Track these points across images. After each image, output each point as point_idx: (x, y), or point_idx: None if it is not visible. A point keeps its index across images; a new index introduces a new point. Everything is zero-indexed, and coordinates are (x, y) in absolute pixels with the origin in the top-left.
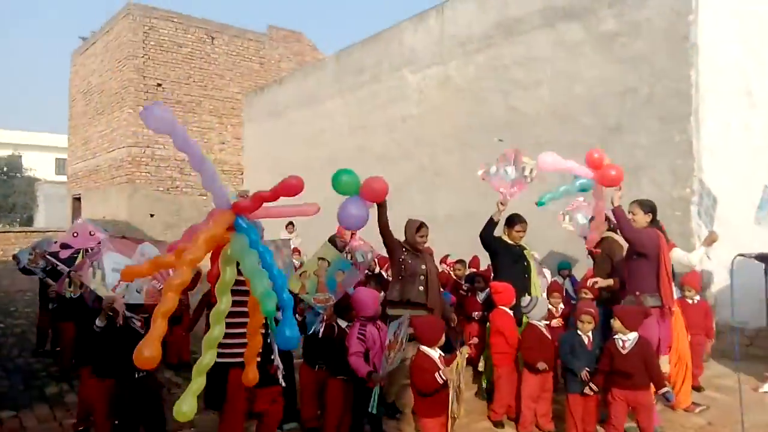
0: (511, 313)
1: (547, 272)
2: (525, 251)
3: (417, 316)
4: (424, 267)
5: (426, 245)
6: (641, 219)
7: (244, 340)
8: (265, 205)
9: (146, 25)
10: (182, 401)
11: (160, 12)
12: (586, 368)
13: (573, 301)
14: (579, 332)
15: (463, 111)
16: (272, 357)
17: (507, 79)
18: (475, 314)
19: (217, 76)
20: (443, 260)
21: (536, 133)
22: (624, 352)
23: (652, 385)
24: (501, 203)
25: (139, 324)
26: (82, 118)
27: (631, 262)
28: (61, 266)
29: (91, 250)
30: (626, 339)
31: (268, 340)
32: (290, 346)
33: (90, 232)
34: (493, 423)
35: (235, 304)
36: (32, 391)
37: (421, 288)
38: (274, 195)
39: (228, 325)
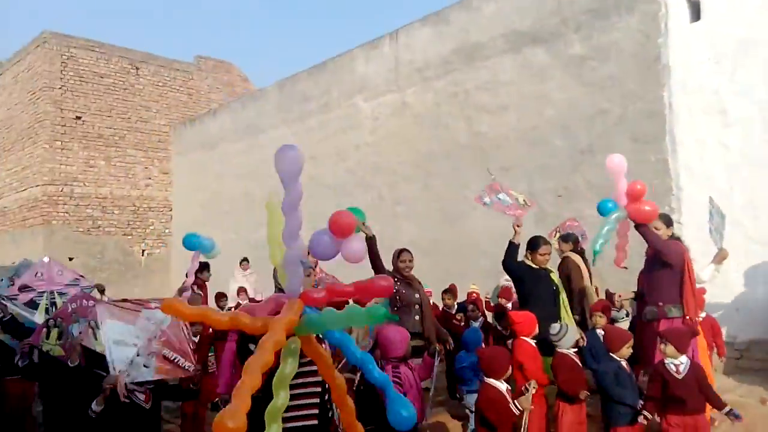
0: (533, 343)
1: None
2: (552, 274)
3: (483, 349)
4: (417, 296)
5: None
6: (664, 232)
7: (301, 412)
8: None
9: (64, 55)
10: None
11: (78, 41)
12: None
13: None
14: (617, 358)
15: (423, 137)
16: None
17: (470, 104)
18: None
19: (142, 108)
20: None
21: (504, 157)
22: (679, 377)
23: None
24: (517, 225)
25: (143, 398)
26: None
27: (653, 273)
28: (23, 313)
29: (58, 293)
30: (679, 363)
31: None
32: (406, 427)
33: (58, 271)
34: None
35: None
36: None
37: (417, 318)
38: (357, 292)
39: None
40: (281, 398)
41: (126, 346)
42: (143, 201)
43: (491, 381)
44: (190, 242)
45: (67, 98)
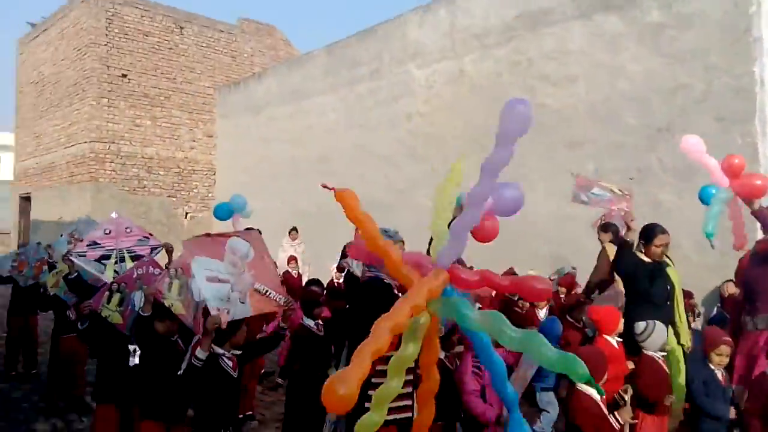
0: (614, 342)
1: None
2: (669, 269)
3: (583, 347)
4: None
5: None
6: None
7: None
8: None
9: (108, 11)
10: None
11: None
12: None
13: None
14: (711, 366)
15: (481, 109)
16: None
17: (533, 74)
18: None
19: (186, 69)
20: None
21: (570, 133)
22: None
23: None
24: (629, 221)
25: (231, 364)
26: (32, 112)
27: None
28: (92, 271)
29: (127, 251)
30: None
31: None
32: None
33: (127, 229)
34: None
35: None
36: (17, 427)
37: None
38: (512, 287)
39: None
40: (395, 382)
41: (219, 282)
42: (188, 163)
43: (584, 388)
44: (222, 211)
45: (113, 55)
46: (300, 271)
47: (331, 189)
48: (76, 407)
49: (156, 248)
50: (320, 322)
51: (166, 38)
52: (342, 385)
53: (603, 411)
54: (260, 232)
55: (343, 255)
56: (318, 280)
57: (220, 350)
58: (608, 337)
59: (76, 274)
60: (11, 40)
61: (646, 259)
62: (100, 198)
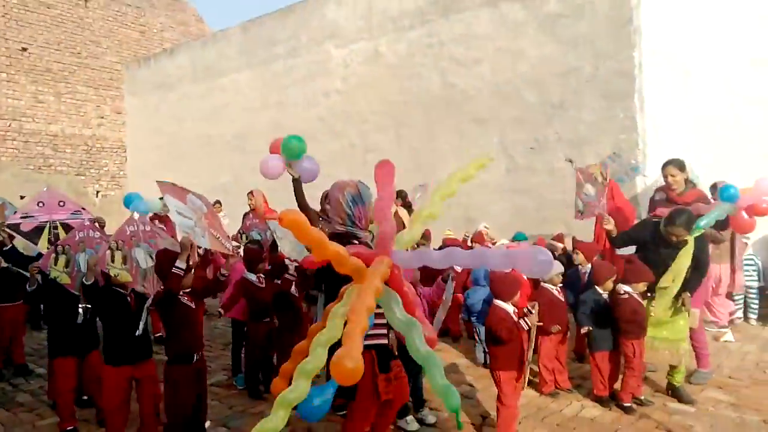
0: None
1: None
2: (685, 248)
3: (495, 272)
4: None
5: None
6: (681, 178)
7: (374, 331)
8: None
9: None
10: (268, 419)
11: None
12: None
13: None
14: (600, 291)
15: (396, 87)
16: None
17: (444, 56)
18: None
19: (92, 43)
20: None
21: (476, 110)
22: None
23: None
24: (609, 229)
25: (187, 299)
26: None
27: None
28: (27, 242)
29: (61, 223)
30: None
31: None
32: (311, 418)
33: (60, 202)
34: None
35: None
36: None
37: None
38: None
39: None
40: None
41: (185, 217)
42: (96, 141)
43: (500, 303)
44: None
45: (11, 28)
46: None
47: (275, 219)
48: (20, 372)
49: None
50: (261, 276)
51: (70, 11)
52: (349, 360)
53: (514, 318)
54: None
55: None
56: (258, 240)
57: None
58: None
59: (11, 246)
60: None
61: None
62: (2, 177)
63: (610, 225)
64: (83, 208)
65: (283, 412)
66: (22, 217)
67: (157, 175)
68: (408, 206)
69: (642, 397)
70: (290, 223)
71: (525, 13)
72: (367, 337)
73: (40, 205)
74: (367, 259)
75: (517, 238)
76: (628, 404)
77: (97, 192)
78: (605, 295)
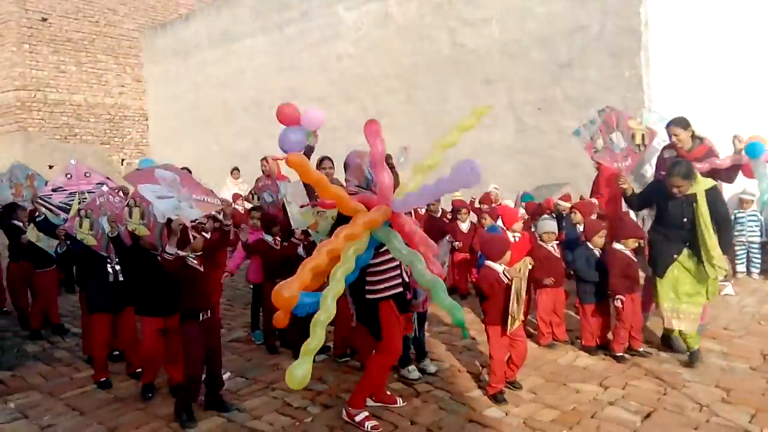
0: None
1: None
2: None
3: (484, 235)
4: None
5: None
6: (684, 136)
7: (392, 283)
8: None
9: None
10: (296, 365)
11: None
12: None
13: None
14: (591, 246)
15: (406, 49)
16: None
17: (453, 16)
18: (457, 244)
19: (109, 11)
20: None
21: (486, 70)
22: None
23: None
24: (622, 184)
25: (196, 262)
26: None
27: None
28: (56, 211)
29: (89, 192)
30: None
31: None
32: (301, 312)
33: (85, 174)
34: None
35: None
36: (11, 352)
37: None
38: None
39: (375, 267)
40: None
41: (166, 198)
42: (118, 110)
43: (489, 263)
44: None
45: None
46: (245, 207)
47: (282, 159)
48: (57, 332)
49: (116, 189)
50: (278, 237)
51: None
52: (287, 290)
53: (498, 275)
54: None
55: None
56: (260, 206)
57: (184, 253)
58: (509, 232)
59: (43, 216)
60: None
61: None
62: (31, 147)
63: (626, 184)
64: (108, 178)
65: (308, 358)
66: (52, 190)
67: (178, 142)
68: (392, 168)
69: (641, 349)
70: (295, 164)
71: None
72: (386, 289)
73: (68, 176)
74: (369, 203)
75: (525, 199)
76: (620, 354)
77: (122, 160)
78: (596, 251)
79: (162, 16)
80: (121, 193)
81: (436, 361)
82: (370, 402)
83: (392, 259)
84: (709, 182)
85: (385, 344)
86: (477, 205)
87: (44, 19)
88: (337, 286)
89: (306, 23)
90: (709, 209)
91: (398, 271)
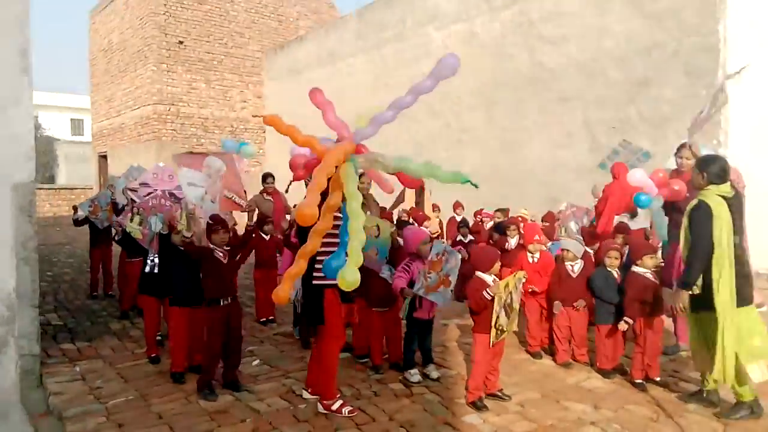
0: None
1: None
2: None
3: (474, 247)
4: (369, 213)
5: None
6: (689, 163)
7: None
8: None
9: None
10: (346, 271)
11: None
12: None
13: None
14: (607, 267)
15: (489, 67)
16: None
17: (533, 34)
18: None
19: (237, 34)
20: (477, 213)
21: (562, 88)
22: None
23: None
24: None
25: (222, 255)
26: (104, 77)
27: None
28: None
29: (168, 192)
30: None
31: None
32: (333, 275)
33: (170, 175)
34: (530, 354)
35: (334, 228)
36: (98, 327)
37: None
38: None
39: (323, 254)
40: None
41: (197, 187)
42: (240, 123)
43: (479, 274)
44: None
45: (171, 23)
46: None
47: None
48: (141, 314)
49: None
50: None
51: (218, 6)
52: (307, 207)
53: (487, 287)
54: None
55: None
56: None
57: (213, 246)
58: (528, 251)
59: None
60: (84, 12)
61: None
62: (164, 154)
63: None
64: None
65: (355, 261)
66: (140, 184)
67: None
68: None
69: (658, 378)
70: (270, 122)
71: None
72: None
73: (154, 176)
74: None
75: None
76: (639, 381)
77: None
78: (614, 272)
79: (283, 37)
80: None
81: (445, 368)
82: (307, 395)
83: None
84: (711, 195)
85: (328, 330)
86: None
87: (181, 42)
88: (356, 217)
89: (400, 43)
90: (689, 229)
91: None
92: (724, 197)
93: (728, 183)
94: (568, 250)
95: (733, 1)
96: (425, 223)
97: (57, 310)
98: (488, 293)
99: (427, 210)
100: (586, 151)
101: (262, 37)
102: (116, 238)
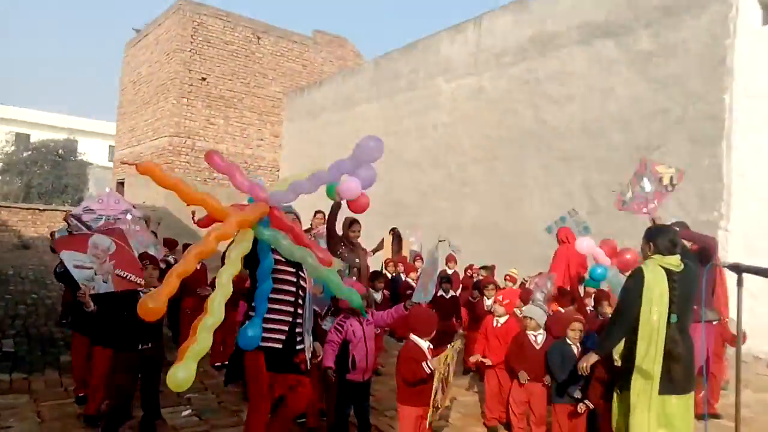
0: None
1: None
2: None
3: (413, 307)
4: (358, 261)
5: (359, 240)
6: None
7: (279, 326)
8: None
9: (195, 21)
10: (178, 367)
11: (209, 9)
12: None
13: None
14: (568, 341)
15: (494, 122)
16: (299, 346)
17: (539, 92)
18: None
19: (260, 75)
20: (468, 268)
21: (564, 147)
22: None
23: None
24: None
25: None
26: (131, 107)
27: None
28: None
29: (114, 217)
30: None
31: (297, 329)
32: (249, 346)
33: (115, 201)
34: (487, 428)
35: (275, 290)
36: (47, 357)
37: (354, 278)
38: (304, 244)
39: (270, 312)
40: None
41: (84, 269)
42: (254, 160)
43: (414, 338)
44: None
45: (195, 60)
46: None
47: (132, 164)
48: None
49: (138, 219)
50: None
51: (244, 46)
52: (152, 301)
53: (422, 357)
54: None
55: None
56: None
57: (140, 288)
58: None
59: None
60: (122, 43)
61: None
62: None
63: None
64: (134, 206)
65: (192, 363)
66: (84, 210)
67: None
68: (398, 236)
69: None
70: (147, 171)
71: (618, 51)
72: (262, 339)
73: (100, 201)
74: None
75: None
76: None
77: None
78: (574, 347)
79: (306, 81)
80: (143, 222)
81: None
82: None
83: (282, 301)
84: (653, 265)
85: (250, 395)
86: (527, 286)
87: (203, 79)
88: (223, 290)
89: (411, 92)
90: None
91: (285, 321)
92: (669, 270)
93: (677, 256)
94: (531, 318)
95: (739, 73)
96: (411, 274)
97: (18, 335)
98: (428, 366)
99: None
100: (585, 214)
101: (285, 79)
102: (57, 270)
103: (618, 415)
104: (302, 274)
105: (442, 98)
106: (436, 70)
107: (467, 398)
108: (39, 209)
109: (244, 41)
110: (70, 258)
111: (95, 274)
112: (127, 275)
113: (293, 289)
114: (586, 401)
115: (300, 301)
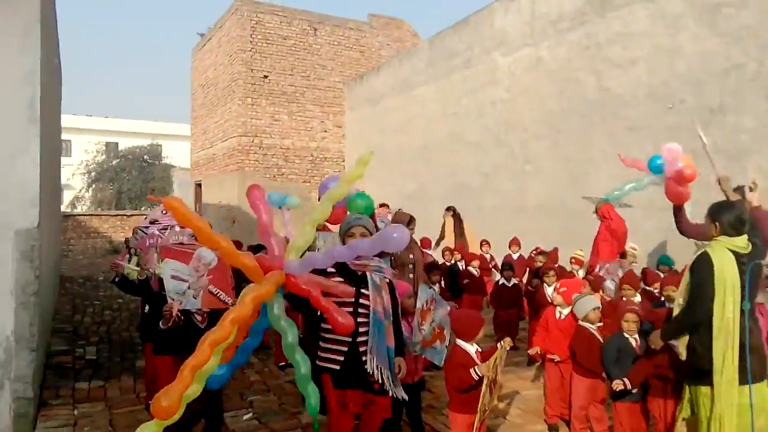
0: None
1: None
2: None
3: (456, 310)
4: (412, 257)
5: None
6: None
7: (336, 347)
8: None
9: (253, 20)
10: (161, 396)
11: (265, 6)
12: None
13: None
14: (625, 334)
15: (555, 94)
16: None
17: (600, 58)
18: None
19: (319, 66)
20: (533, 251)
21: (630, 115)
22: None
23: None
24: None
25: (200, 319)
26: (202, 110)
27: None
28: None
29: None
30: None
31: (361, 348)
32: (213, 384)
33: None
34: (548, 426)
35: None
36: (125, 362)
37: (411, 276)
38: (326, 311)
39: (324, 332)
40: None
41: (180, 280)
42: (320, 152)
43: (461, 343)
44: (272, 202)
45: (256, 59)
46: None
47: (157, 200)
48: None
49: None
50: None
51: (302, 40)
52: (165, 399)
53: (470, 363)
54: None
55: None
56: None
57: (192, 309)
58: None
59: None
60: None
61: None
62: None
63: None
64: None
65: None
66: (150, 222)
67: (368, 182)
68: (457, 216)
69: None
70: (171, 207)
71: (683, 4)
72: (323, 359)
73: (164, 212)
74: (263, 263)
75: (662, 261)
76: None
77: (319, 197)
78: (631, 340)
79: (365, 67)
80: (176, 228)
81: None
82: None
83: None
84: (719, 247)
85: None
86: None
87: (265, 77)
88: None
89: (468, 70)
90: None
91: (343, 341)
92: (736, 253)
93: (744, 237)
94: (595, 309)
95: None
96: (473, 262)
97: (100, 342)
98: (476, 372)
99: (475, 247)
100: (656, 187)
101: (344, 68)
102: (115, 280)
103: (686, 410)
104: (364, 292)
105: (500, 73)
106: (492, 44)
107: (531, 392)
108: (126, 215)
109: (301, 34)
110: (169, 267)
111: (188, 288)
112: (218, 293)
113: (350, 309)
114: (625, 380)
115: (360, 319)
